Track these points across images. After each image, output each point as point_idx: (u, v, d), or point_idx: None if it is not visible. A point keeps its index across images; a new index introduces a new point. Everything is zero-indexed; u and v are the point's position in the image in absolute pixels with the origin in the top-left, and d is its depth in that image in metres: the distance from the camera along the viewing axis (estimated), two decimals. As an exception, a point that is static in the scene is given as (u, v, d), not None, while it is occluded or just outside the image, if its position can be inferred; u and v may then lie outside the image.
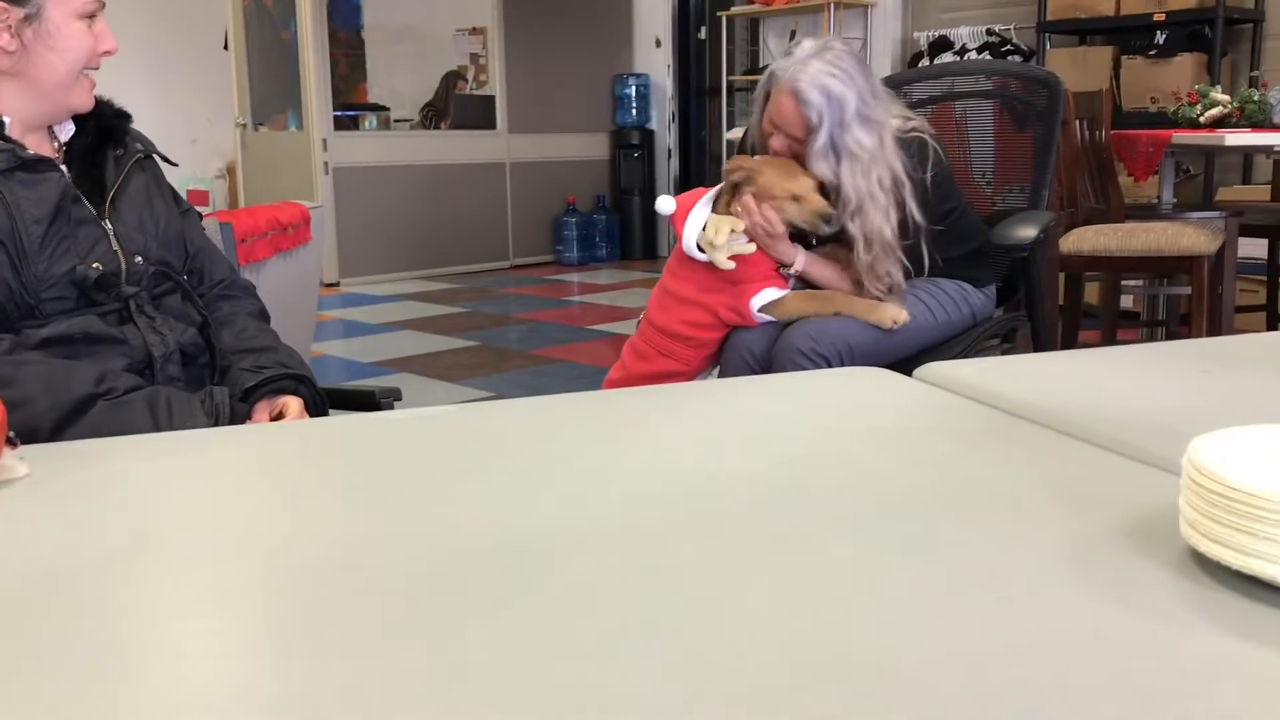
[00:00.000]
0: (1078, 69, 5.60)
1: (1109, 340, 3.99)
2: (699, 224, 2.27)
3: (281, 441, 1.14)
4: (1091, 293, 4.15)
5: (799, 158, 2.29)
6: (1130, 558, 0.73)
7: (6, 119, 1.42)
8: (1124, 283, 4.11)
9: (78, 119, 1.53)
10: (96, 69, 1.48)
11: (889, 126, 2.30)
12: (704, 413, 1.17)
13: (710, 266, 2.26)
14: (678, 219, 2.31)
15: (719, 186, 2.33)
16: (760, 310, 2.29)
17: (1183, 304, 4.14)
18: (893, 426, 1.09)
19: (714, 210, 2.29)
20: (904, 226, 2.27)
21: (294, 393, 1.52)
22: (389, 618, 0.67)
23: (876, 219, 2.26)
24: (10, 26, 1.38)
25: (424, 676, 0.60)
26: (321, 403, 1.57)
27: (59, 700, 0.58)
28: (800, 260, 2.31)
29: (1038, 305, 2.64)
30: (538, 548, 0.77)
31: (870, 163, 2.26)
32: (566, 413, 1.19)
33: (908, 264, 2.29)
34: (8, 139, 1.40)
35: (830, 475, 0.93)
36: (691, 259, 2.30)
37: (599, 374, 2.77)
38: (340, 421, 1.16)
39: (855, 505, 0.86)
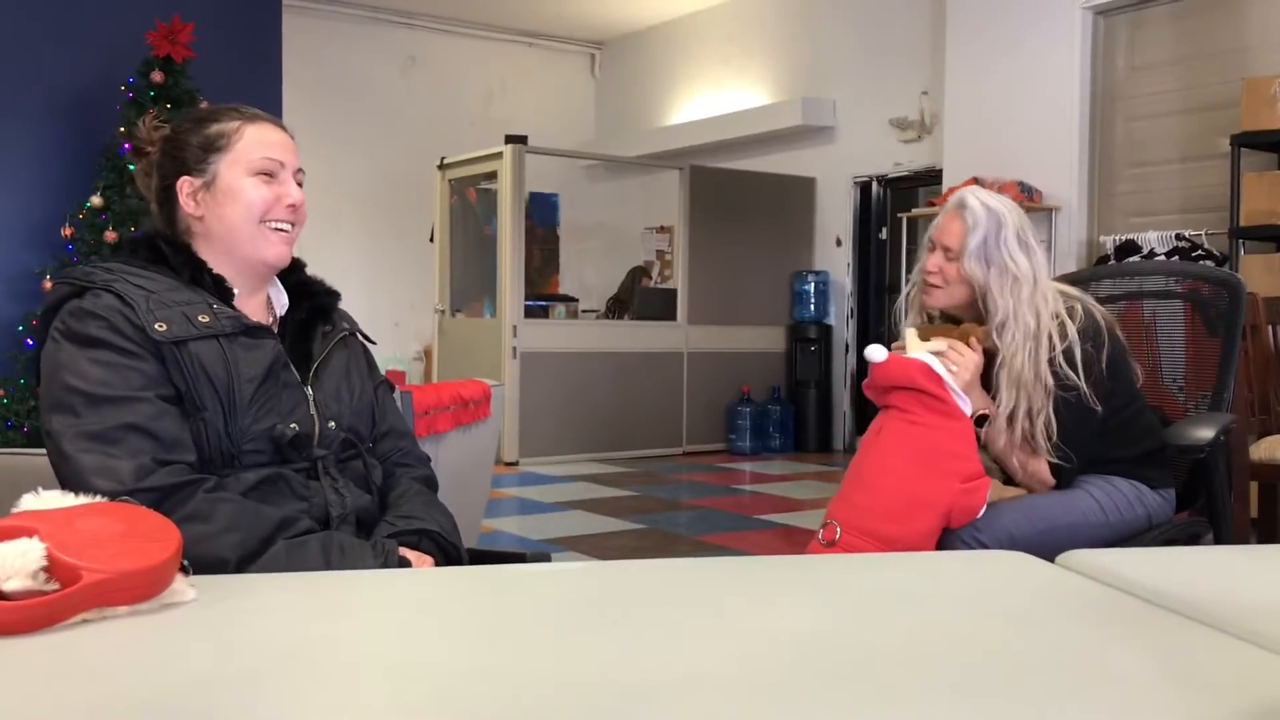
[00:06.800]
0: (1274, 275, 5.41)
1: (1312, 557, 3.71)
2: (925, 353, 2.24)
3: (424, 583, 1.21)
4: (1300, 506, 3.90)
5: (946, 276, 2.32)
6: (1242, 743, 0.71)
7: (236, 290, 1.60)
8: (1329, 497, 3.84)
9: (294, 298, 1.70)
10: (282, 223, 1.62)
11: (1045, 278, 2.30)
12: (835, 583, 1.18)
13: (934, 452, 2.19)
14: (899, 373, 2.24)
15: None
16: None
17: (1396, 522, 3.83)
18: (1020, 607, 1.07)
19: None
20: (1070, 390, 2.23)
21: (417, 547, 1.59)
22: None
23: (1022, 346, 2.23)
24: (194, 195, 1.59)
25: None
26: (457, 556, 1.63)
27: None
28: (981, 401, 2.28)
29: (1220, 511, 2.50)
30: (638, 692, 0.80)
31: (1021, 283, 2.25)
32: (703, 574, 1.22)
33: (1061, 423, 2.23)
34: (234, 308, 1.58)
35: (941, 647, 0.93)
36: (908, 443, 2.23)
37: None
38: (481, 570, 1.23)
39: (958, 676, 0.85)
